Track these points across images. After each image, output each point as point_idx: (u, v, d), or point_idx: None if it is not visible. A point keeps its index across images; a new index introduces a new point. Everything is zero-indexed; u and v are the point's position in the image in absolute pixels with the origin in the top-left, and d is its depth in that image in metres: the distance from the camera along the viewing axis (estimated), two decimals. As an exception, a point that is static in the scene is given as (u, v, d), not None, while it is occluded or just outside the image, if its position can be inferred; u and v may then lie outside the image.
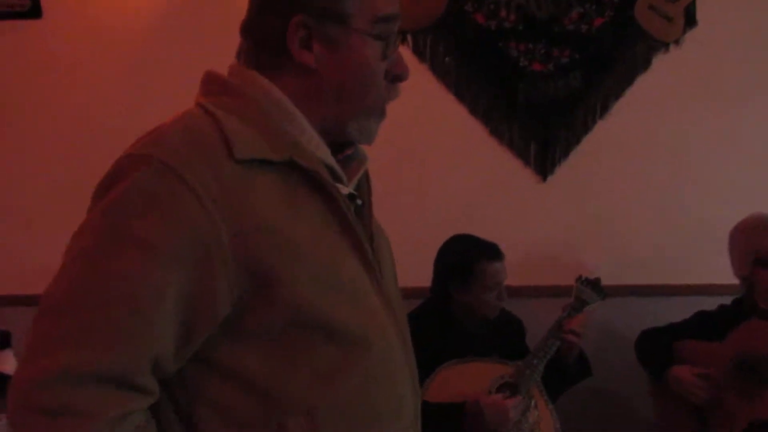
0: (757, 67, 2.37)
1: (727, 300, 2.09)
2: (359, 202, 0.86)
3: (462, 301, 1.91)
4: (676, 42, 2.38)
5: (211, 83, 0.82)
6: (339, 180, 0.82)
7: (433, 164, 2.35)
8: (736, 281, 2.06)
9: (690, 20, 2.38)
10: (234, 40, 0.86)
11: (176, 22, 2.30)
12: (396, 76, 0.83)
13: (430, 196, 2.34)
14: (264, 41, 0.80)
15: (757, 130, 2.38)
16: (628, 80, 2.39)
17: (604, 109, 2.38)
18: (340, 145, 0.85)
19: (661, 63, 2.37)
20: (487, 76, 2.36)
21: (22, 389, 0.69)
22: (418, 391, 0.87)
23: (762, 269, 1.93)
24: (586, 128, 2.38)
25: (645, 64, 2.39)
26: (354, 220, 0.79)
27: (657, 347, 2.06)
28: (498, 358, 1.89)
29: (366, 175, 0.89)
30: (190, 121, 0.76)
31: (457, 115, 2.33)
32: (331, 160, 0.81)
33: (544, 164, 2.38)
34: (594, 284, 2.00)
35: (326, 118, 0.81)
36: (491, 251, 1.91)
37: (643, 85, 2.37)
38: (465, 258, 1.90)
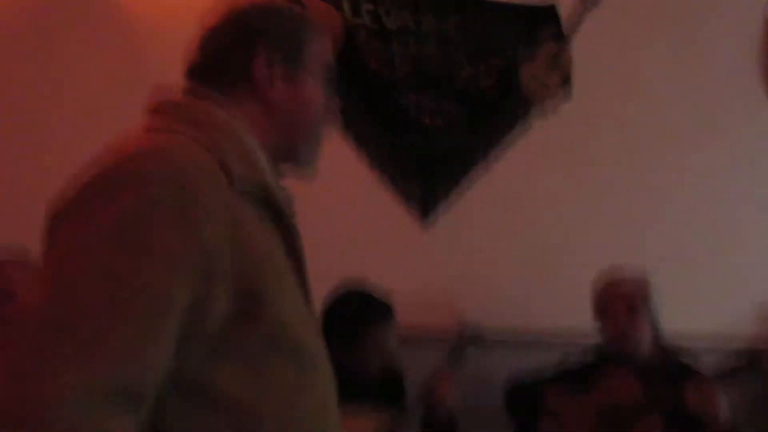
0: (625, 134, 2.60)
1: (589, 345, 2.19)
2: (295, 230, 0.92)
3: (342, 360, 1.84)
4: (554, 109, 2.57)
5: (179, 111, 0.85)
6: (290, 212, 0.89)
7: (318, 206, 2.32)
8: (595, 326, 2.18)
9: (566, 91, 2.58)
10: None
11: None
12: (332, 110, 0.97)
13: (313, 237, 2.29)
14: (227, 72, 0.88)
15: (621, 189, 2.60)
16: (510, 139, 2.53)
17: (487, 163, 2.50)
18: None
19: (540, 126, 2.54)
20: (377, 122, 2.41)
21: (34, 411, 0.60)
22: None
23: (604, 316, 2.08)
24: (469, 179, 2.48)
25: (525, 127, 2.55)
26: (301, 250, 0.86)
27: (525, 402, 2.12)
28: (371, 407, 1.83)
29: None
30: (184, 145, 0.77)
31: (344, 157, 2.34)
32: (280, 191, 0.87)
33: (427, 211, 2.43)
34: (475, 330, 2.03)
35: (279, 145, 0.90)
36: (383, 315, 1.87)
37: (522, 144, 2.52)
38: (353, 322, 1.84)
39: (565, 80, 2.60)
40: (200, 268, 0.69)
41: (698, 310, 2.50)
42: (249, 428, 0.73)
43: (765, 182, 2.74)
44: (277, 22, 0.91)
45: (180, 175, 0.71)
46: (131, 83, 2.10)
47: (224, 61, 0.88)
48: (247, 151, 0.83)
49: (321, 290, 1.95)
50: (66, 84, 2.23)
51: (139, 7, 2.28)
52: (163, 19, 2.27)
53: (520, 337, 2.38)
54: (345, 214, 2.33)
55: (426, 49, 2.46)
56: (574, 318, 2.32)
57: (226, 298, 0.71)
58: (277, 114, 0.89)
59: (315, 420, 0.79)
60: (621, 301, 2.04)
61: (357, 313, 1.84)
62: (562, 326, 2.42)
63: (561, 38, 2.56)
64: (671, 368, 1.99)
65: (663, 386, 1.87)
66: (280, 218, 0.83)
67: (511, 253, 2.46)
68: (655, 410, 1.86)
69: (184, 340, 0.70)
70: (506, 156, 2.50)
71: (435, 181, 2.44)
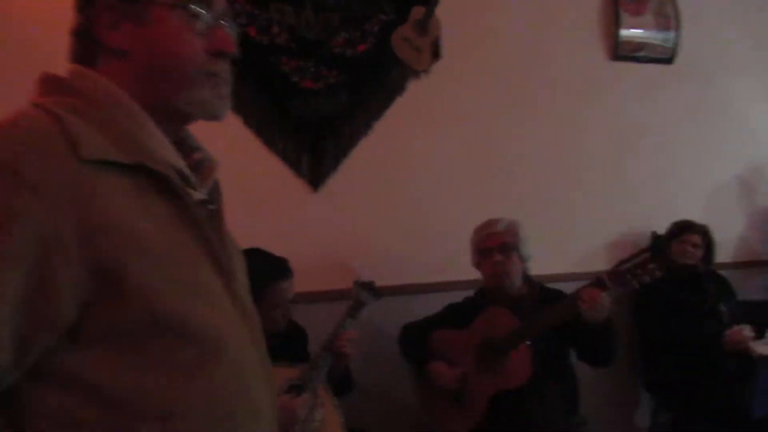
0: (491, 93, 2.82)
1: (471, 293, 2.44)
2: (212, 207, 0.85)
3: None
4: (426, 71, 2.72)
5: (49, 83, 0.78)
6: (190, 185, 0.81)
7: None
8: (476, 277, 2.41)
9: (436, 53, 2.74)
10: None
11: None
12: (217, 51, 0.83)
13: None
14: (83, 35, 0.81)
15: (491, 146, 2.83)
16: (387, 101, 2.65)
17: (368, 126, 2.61)
18: (189, 149, 0.86)
19: (414, 87, 2.68)
20: (260, 89, 2.42)
21: None
22: (275, 396, 0.88)
23: (482, 258, 2.30)
24: (353, 143, 2.58)
25: (401, 88, 2.68)
26: (206, 226, 0.79)
27: (415, 342, 2.32)
28: (286, 362, 1.94)
29: (217, 183, 0.89)
30: (25, 118, 0.71)
31: (232, 126, 2.33)
32: (180, 164, 0.80)
33: (315, 176, 2.51)
34: (369, 286, 2.16)
35: (158, 102, 0.80)
36: (280, 270, 1.95)
37: (399, 106, 2.66)
38: (253, 278, 1.89)
39: (434, 42, 2.75)
40: (31, 252, 0.65)
41: (556, 253, 2.84)
42: (130, 414, 0.70)
43: (607, 135, 3.13)
44: None
45: (7, 159, 0.66)
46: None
47: (81, 32, 0.81)
48: (114, 119, 0.76)
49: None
50: None
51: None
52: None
53: (408, 290, 2.58)
54: (236, 185, 2.32)
55: (303, 15, 2.49)
56: (457, 269, 2.55)
57: (76, 282, 0.67)
58: (139, 64, 0.79)
59: (218, 399, 0.75)
60: (495, 242, 2.28)
61: (260, 272, 1.90)
62: (446, 278, 2.65)
63: (428, 1, 2.70)
64: (541, 299, 2.27)
65: (537, 314, 2.14)
66: (168, 187, 0.76)
67: (396, 212, 2.62)
68: (529, 336, 2.12)
69: (39, 331, 0.66)
70: (384, 118, 2.62)
71: (323, 149, 2.52)
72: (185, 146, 0.87)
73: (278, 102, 2.45)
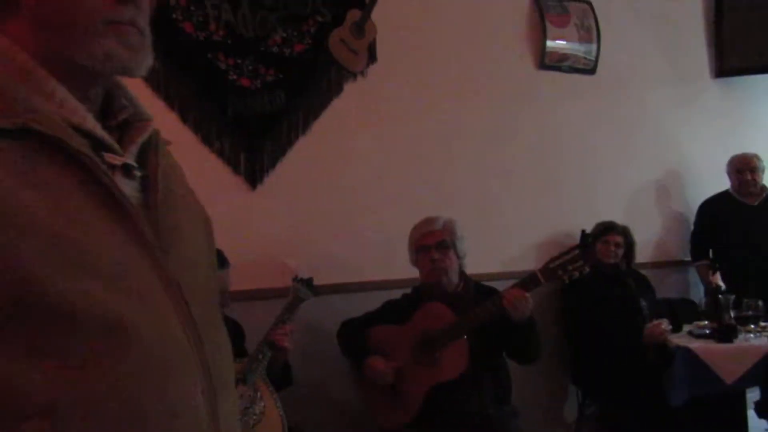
0: (425, 96, 2.90)
1: (408, 291, 2.48)
2: (139, 174, 0.75)
3: None
4: (362, 73, 2.77)
5: None
6: (107, 148, 0.71)
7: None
8: (413, 276, 2.46)
9: (372, 56, 2.79)
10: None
11: None
12: None
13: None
14: None
15: (426, 148, 2.91)
16: (324, 102, 2.68)
17: (306, 125, 2.62)
18: (113, 111, 0.77)
19: (350, 89, 2.72)
20: (197, 86, 2.39)
21: None
22: (223, 392, 0.76)
23: (420, 255, 2.36)
24: (290, 142, 2.59)
25: (338, 89, 2.71)
26: (121, 194, 0.69)
27: (354, 338, 2.34)
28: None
29: (156, 146, 0.79)
30: None
31: (168, 123, 2.29)
32: (88, 123, 0.70)
33: (253, 174, 2.49)
34: (308, 282, 2.17)
35: (56, 58, 0.70)
36: (221, 262, 1.94)
37: (336, 106, 2.69)
38: None
39: (370, 45, 2.80)
40: None
41: (489, 254, 2.93)
42: (9, 411, 0.61)
43: (535, 140, 3.27)
44: None
45: None
46: None
47: None
48: (9, 77, 0.68)
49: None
50: None
51: None
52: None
53: (346, 288, 2.60)
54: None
55: (239, 12, 2.48)
56: (394, 268, 2.60)
57: None
58: (33, 17, 0.70)
59: (120, 394, 0.65)
60: (433, 240, 2.34)
61: None
62: (383, 276, 2.68)
63: (364, 5, 2.75)
64: (477, 295, 2.34)
65: (470, 309, 2.21)
66: (79, 161, 0.67)
67: (334, 211, 2.64)
68: (465, 330, 2.19)
69: None
70: (322, 118, 2.65)
71: (261, 147, 2.51)
72: (114, 106, 0.77)
73: (215, 99, 2.42)
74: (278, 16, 2.57)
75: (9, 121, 0.64)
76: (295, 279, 2.17)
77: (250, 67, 2.49)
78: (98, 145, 0.70)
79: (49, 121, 0.66)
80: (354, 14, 2.74)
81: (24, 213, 0.61)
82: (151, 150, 0.78)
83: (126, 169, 0.73)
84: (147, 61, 0.74)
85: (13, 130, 0.63)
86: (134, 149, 0.76)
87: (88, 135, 0.69)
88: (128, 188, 0.72)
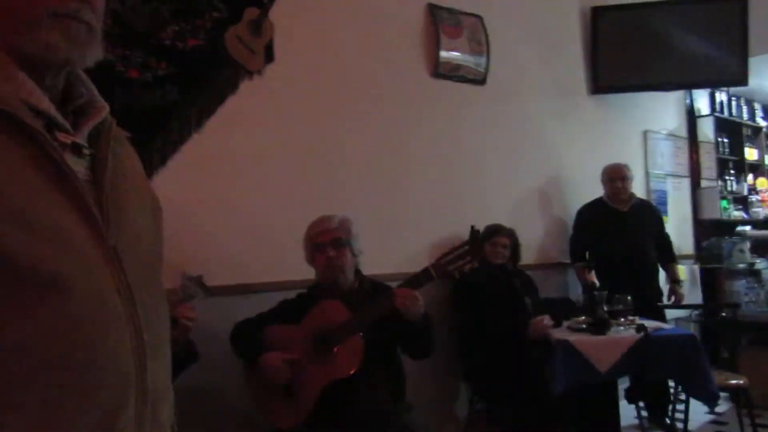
0: (321, 98, 2.92)
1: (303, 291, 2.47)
2: (88, 153, 0.84)
3: None
4: (259, 72, 2.74)
5: None
6: (60, 128, 0.80)
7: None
8: (308, 277, 2.45)
9: (269, 55, 2.77)
10: None
11: None
12: None
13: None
14: None
15: (321, 150, 2.91)
16: (219, 99, 2.62)
17: (199, 123, 2.55)
18: (72, 98, 0.86)
19: (246, 87, 2.68)
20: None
21: None
22: (152, 352, 0.83)
23: (316, 253, 2.37)
24: (182, 139, 2.50)
25: (233, 87, 2.66)
26: (68, 168, 0.78)
27: (248, 338, 2.30)
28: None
29: (108, 130, 0.88)
30: None
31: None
32: (44, 106, 0.79)
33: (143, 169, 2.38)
34: (197, 280, 2.10)
35: (13, 48, 0.79)
36: None
37: (231, 105, 2.63)
38: None
39: (268, 44, 2.78)
40: None
41: (383, 254, 2.98)
42: None
43: (429, 144, 3.38)
44: None
45: None
46: None
47: None
48: None
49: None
50: None
51: None
52: None
53: (239, 290, 2.54)
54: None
55: (128, 1, 2.38)
56: (287, 269, 2.57)
57: None
58: None
59: (54, 339, 0.73)
60: (329, 237, 2.35)
61: None
62: (276, 278, 2.64)
63: (262, 4, 2.73)
64: (372, 292, 2.38)
65: (365, 306, 2.23)
66: (22, 130, 0.76)
67: (226, 211, 2.57)
68: (360, 327, 2.21)
69: None
70: (216, 116, 2.58)
71: (151, 143, 2.41)
72: (72, 93, 0.86)
73: (102, 91, 2.30)
74: (171, 9, 2.49)
75: None
76: (184, 275, 2.09)
77: (140, 60, 2.39)
78: (52, 125, 0.79)
79: (6, 100, 0.75)
80: (252, 12, 2.71)
81: None
82: (103, 134, 0.87)
83: (76, 149, 0.82)
84: (93, 54, 0.84)
85: None
86: (85, 131, 0.85)
87: (42, 115, 0.79)
88: (77, 165, 0.80)
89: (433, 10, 3.46)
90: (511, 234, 3.37)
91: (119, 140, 0.91)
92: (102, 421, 0.76)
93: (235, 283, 2.53)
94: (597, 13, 4.47)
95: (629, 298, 3.06)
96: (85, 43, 0.82)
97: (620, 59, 4.45)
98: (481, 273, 3.08)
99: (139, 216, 0.90)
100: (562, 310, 3.34)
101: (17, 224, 0.72)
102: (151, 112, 2.42)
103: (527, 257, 3.61)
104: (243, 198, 2.63)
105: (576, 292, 4.02)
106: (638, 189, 4.36)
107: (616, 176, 3.93)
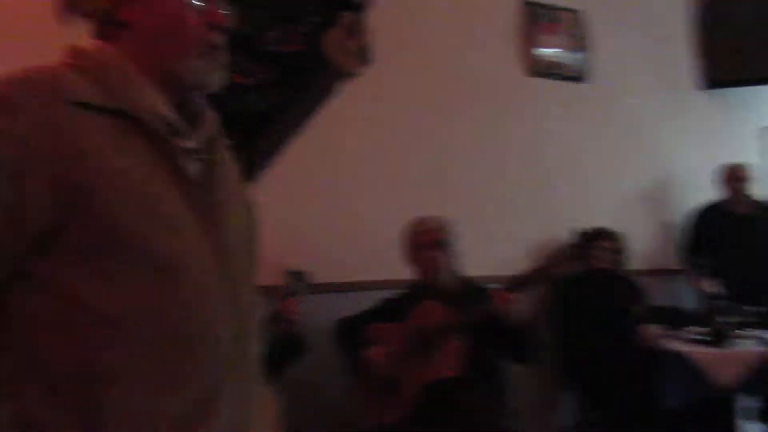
0: (418, 99, 2.90)
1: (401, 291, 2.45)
2: (202, 157, 0.92)
3: None
4: (357, 74, 2.76)
5: (69, 50, 0.90)
6: (179, 134, 0.89)
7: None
8: (406, 277, 2.43)
9: (366, 58, 2.79)
10: None
11: None
12: (210, 23, 0.92)
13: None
14: (102, 16, 0.90)
15: (417, 151, 2.90)
16: (319, 102, 2.67)
17: (301, 125, 2.61)
18: (192, 111, 0.93)
19: (345, 90, 2.72)
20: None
21: None
22: (249, 340, 0.92)
23: (416, 253, 2.35)
24: (286, 141, 2.56)
25: (332, 91, 2.71)
26: (184, 167, 0.87)
27: (351, 334, 2.32)
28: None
29: (218, 138, 0.97)
30: (34, 70, 0.84)
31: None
32: (169, 115, 0.88)
33: (248, 172, 2.46)
34: (300, 275, 2.15)
35: (163, 69, 0.89)
36: None
37: (331, 107, 2.68)
38: None
39: (364, 48, 2.80)
40: (10, 169, 0.76)
41: (480, 257, 2.91)
42: (83, 312, 0.79)
43: (526, 145, 3.28)
44: None
45: (5, 92, 0.80)
46: None
47: (100, 14, 0.91)
48: (107, 75, 0.87)
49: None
50: None
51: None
52: None
53: (342, 287, 2.57)
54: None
55: (228, 8, 2.47)
56: (387, 268, 2.57)
57: (46, 189, 0.77)
58: (146, 34, 0.89)
59: (170, 317, 0.82)
60: (429, 238, 2.33)
61: None
62: (376, 276, 2.65)
63: (358, 8, 2.76)
64: (470, 293, 2.33)
65: (465, 308, 2.19)
66: (148, 131, 0.85)
67: (328, 211, 2.63)
68: (460, 329, 2.17)
69: (14, 233, 0.77)
70: (317, 118, 2.64)
71: (256, 145, 2.48)
72: (189, 108, 0.94)
73: (210, 96, 2.39)
74: (269, 15, 2.56)
75: (111, 103, 0.84)
76: (288, 271, 2.15)
77: (244, 64, 2.48)
78: (173, 131, 0.88)
79: (140, 108, 0.85)
80: (347, 16, 2.75)
81: (112, 169, 0.80)
82: (214, 141, 0.96)
83: (191, 153, 0.90)
84: (223, 80, 0.94)
85: (111, 110, 0.83)
86: (200, 137, 0.93)
87: (166, 122, 0.87)
88: (191, 167, 0.89)
89: (528, 7, 3.37)
90: (617, 237, 3.20)
91: (225, 147, 1.00)
92: (204, 396, 0.84)
93: (337, 281, 2.56)
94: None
95: (753, 309, 2.82)
96: (221, 72, 0.93)
97: (738, 48, 4.09)
98: (585, 278, 2.96)
99: (238, 214, 0.98)
100: (671, 319, 3.14)
101: (149, 215, 0.82)
102: (257, 116, 2.50)
103: (632, 262, 3.41)
104: (344, 198, 2.67)
105: (688, 300, 3.76)
106: (757, 191, 4.03)
107: (736, 177, 3.65)
